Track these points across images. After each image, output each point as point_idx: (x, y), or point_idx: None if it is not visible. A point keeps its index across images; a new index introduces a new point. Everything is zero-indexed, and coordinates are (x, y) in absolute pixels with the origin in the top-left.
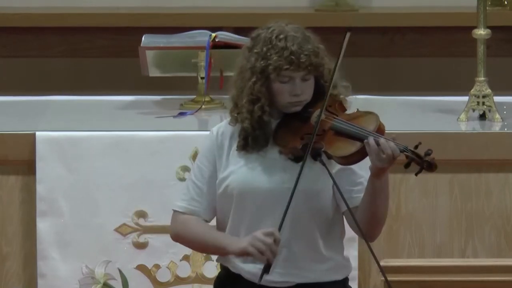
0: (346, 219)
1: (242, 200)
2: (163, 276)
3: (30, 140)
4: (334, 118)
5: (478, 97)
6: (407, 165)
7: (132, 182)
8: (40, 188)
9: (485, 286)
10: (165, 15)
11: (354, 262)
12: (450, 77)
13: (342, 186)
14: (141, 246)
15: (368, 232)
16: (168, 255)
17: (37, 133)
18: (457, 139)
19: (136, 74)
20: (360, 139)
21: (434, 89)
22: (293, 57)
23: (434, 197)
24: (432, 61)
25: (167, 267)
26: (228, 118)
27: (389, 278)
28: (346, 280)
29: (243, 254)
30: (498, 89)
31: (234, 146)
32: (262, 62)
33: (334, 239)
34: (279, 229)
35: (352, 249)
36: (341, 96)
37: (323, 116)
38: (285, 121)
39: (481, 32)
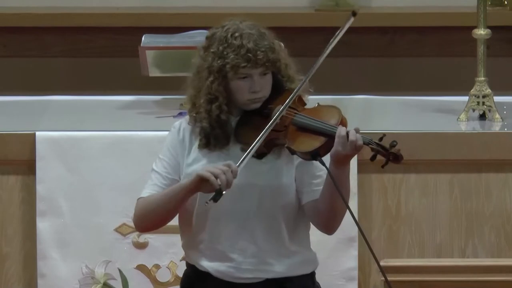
0: (306, 211)
1: (206, 197)
2: (163, 276)
3: (30, 140)
4: (295, 113)
5: (478, 97)
6: (373, 158)
7: (132, 182)
8: (40, 188)
9: (485, 286)
10: (165, 15)
11: (354, 262)
12: (450, 77)
13: (302, 179)
14: (141, 246)
15: (327, 224)
16: (168, 255)
17: (37, 133)
18: (457, 139)
19: (136, 74)
20: (323, 133)
21: (434, 89)
22: (250, 54)
23: (434, 197)
24: (432, 61)
25: (167, 267)
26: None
27: (389, 278)
28: (313, 274)
29: (198, 181)
30: (498, 89)
31: (196, 143)
32: (219, 62)
33: (300, 233)
34: (238, 166)
35: (352, 249)
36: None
37: (284, 113)
38: (245, 118)
39: (481, 32)
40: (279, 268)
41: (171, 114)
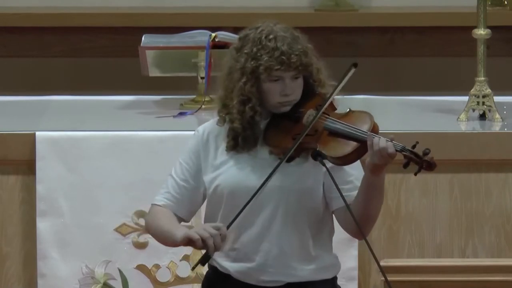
0: (336, 217)
1: (232, 200)
2: (163, 276)
3: (30, 140)
4: (327, 117)
5: (478, 97)
6: (406, 165)
7: (132, 182)
8: (40, 188)
9: (485, 286)
10: (165, 15)
11: (354, 262)
12: (450, 77)
13: (332, 184)
14: (141, 246)
15: (358, 229)
16: (168, 255)
17: (37, 133)
18: (457, 139)
19: (136, 74)
20: (355, 139)
21: (434, 89)
22: (283, 57)
23: (434, 197)
24: (432, 61)
25: (167, 267)
26: (215, 118)
27: (389, 278)
28: (335, 278)
29: (186, 241)
30: (498, 89)
31: (222, 146)
32: (252, 63)
33: (324, 238)
34: (228, 227)
35: (352, 249)
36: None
37: (317, 119)
38: (274, 121)
39: (481, 32)
40: (301, 272)
41: (171, 114)
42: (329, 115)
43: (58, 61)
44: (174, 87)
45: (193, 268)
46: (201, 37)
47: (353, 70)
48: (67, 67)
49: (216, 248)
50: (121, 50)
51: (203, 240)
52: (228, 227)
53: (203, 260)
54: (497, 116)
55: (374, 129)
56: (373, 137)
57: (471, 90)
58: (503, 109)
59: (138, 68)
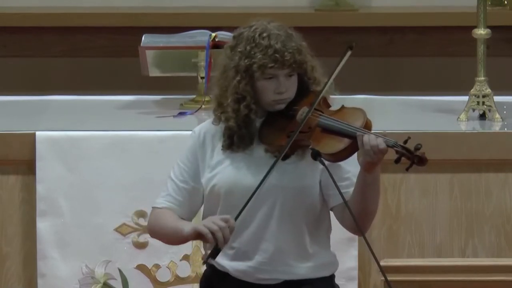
0: (334, 215)
1: (229, 199)
2: (163, 276)
3: (30, 140)
4: (320, 115)
5: (478, 97)
6: (397, 160)
7: (132, 182)
8: (40, 188)
9: (485, 286)
10: (165, 15)
11: (354, 262)
12: (450, 77)
13: (328, 181)
14: (141, 246)
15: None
16: (168, 255)
17: (37, 133)
18: (457, 139)
19: (136, 74)
20: (348, 135)
21: (434, 89)
22: (277, 55)
23: (434, 197)
24: (432, 61)
25: (167, 267)
26: (211, 118)
27: (389, 278)
28: (333, 276)
29: (195, 235)
30: (498, 89)
31: (218, 146)
32: (246, 61)
33: (321, 236)
34: (235, 219)
35: (352, 249)
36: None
37: (309, 115)
38: (269, 119)
39: (481, 32)
40: (298, 270)
41: (171, 114)
42: (322, 112)
43: (58, 61)
44: (174, 87)
45: (204, 263)
46: (201, 37)
47: (349, 53)
48: (67, 67)
49: (225, 241)
50: (121, 50)
51: (213, 233)
52: (235, 219)
53: (214, 254)
54: (497, 116)
55: (367, 125)
56: (364, 134)
57: (471, 90)
58: (503, 109)
59: (138, 68)
